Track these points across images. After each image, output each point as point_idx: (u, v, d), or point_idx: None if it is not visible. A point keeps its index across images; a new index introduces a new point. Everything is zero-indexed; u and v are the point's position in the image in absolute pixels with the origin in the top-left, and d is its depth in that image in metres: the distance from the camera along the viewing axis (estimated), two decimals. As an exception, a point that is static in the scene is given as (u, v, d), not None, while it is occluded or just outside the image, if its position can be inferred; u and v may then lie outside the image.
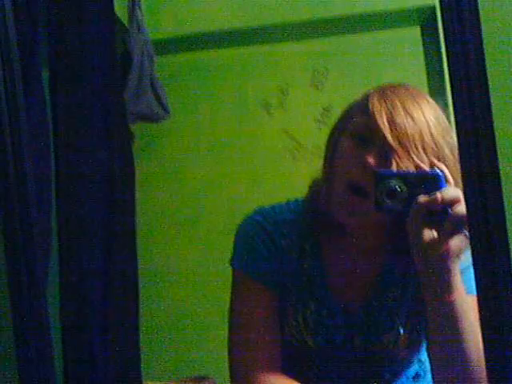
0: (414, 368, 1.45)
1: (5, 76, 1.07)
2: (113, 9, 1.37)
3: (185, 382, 2.51)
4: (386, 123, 1.26)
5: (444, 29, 0.87)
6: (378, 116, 1.27)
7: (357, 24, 2.88)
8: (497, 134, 0.84)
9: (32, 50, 1.27)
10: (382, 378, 1.43)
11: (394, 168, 1.25)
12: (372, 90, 1.36)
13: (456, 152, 1.29)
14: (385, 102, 1.29)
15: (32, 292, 1.18)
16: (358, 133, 1.32)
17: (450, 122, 1.33)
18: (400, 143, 1.25)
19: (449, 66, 0.86)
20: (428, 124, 1.28)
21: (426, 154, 1.26)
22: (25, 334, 1.16)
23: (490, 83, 0.85)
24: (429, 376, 1.40)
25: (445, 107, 1.34)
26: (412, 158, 1.25)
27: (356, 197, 1.29)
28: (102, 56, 1.32)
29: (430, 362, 1.33)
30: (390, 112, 1.27)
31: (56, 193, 1.36)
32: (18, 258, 1.14)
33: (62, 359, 1.30)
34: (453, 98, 0.86)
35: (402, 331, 1.39)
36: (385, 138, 1.25)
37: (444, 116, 1.33)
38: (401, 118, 1.26)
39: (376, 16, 2.81)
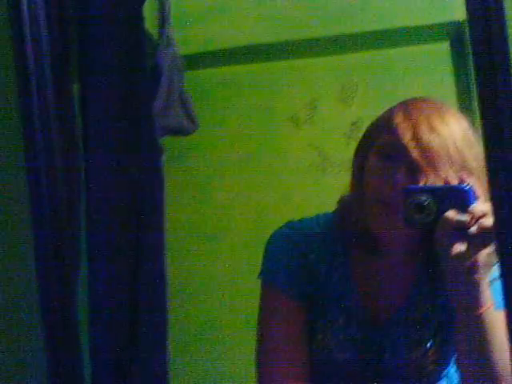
0: (443, 382, 1.44)
1: (38, 89, 1.09)
2: (143, 24, 1.38)
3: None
4: (411, 141, 1.26)
5: (472, 44, 0.87)
6: (402, 134, 1.27)
7: (386, 39, 2.87)
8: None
9: (62, 64, 1.29)
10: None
11: (422, 184, 1.26)
12: (396, 106, 1.35)
13: (483, 164, 1.30)
14: (409, 118, 1.29)
15: (63, 309, 1.19)
16: (384, 151, 1.32)
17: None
18: (426, 160, 1.25)
19: (476, 81, 0.86)
20: (454, 138, 1.27)
21: (453, 168, 1.26)
22: (55, 348, 1.18)
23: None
24: (457, 392, 1.39)
25: (474, 122, 1.34)
26: (439, 173, 1.25)
27: (388, 211, 1.29)
28: (131, 71, 1.33)
29: (459, 377, 1.33)
30: (415, 129, 1.27)
31: (86, 208, 1.38)
32: (49, 278, 1.16)
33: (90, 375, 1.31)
34: (480, 112, 0.86)
35: (430, 346, 1.39)
36: (410, 156, 1.26)
37: (471, 128, 1.32)
38: (425, 135, 1.26)
39: (405, 31, 2.81)
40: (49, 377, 1.18)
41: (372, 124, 1.41)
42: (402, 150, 1.27)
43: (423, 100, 1.36)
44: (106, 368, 1.30)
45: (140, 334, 1.32)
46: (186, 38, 2.80)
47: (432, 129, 1.27)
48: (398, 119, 1.30)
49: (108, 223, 1.37)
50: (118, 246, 1.37)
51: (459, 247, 1.20)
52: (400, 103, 1.36)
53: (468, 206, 1.21)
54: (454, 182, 1.25)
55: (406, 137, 1.26)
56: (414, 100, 1.36)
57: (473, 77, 2.65)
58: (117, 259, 1.37)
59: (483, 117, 0.85)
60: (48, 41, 1.15)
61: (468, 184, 1.23)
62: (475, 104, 2.62)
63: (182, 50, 2.70)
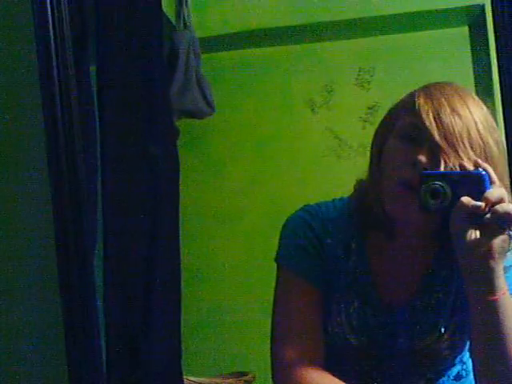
0: (456, 368, 1.45)
1: (59, 71, 1.10)
2: (161, 6, 1.38)
3: (225, 377, 2.53)
4: (433, 122, 1.27)
5: (494, 28, 0.86)
6: (424, 115, 1.28)
7: (404, 23, 2.86)
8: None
9: (80, 46, 1.29)
10: (424, 378, 1.43)
11: (443, 166, 1.26)
12: (418, 89, 1.36)
13: (503, 149, 1.30)
14: (431, 100, 1.30)
15: (81, 287, 1.20)
16: (406, 132, 1.32)
17: (496, 121, 1.33)
18: (447, 142, 1.26)
19: (499, 65, 0.86)
20: (475, 121, 1.28)
21: (473, 151, 1.26)
22: (74, 328, 1.19)
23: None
24: (471, 376, 1.39)
25: (492, 107, 1.34)
26: (460, 155, 1.25)
27: (407, 192, 1.29)
28: (148, 52, 1.33)
29: (473, 362, 1.33)
30: (437, 111, 1.28)
31: (102, 188, 1.38)
32: (69, 253, 1.17)
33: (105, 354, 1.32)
34: (502, 96, 0.86)
35: (444, 331, 1.39)
36: (432, 137, 1.26)
37: (490, 114, 1.32)
38: (447, 117, 1.27)
39: (423, 15, 2.79)
40: (68, 355, 1.19)
41: (393, 107, 1.42)
42: (424, 130, 1.27)
43: (445, 84, 1.36)
44: (119, 347, 1.32)
45: (153, 315, 1.33)
46: (203, 21, 2.79)
47: (454, 111, 1.28)
48: (421, 101, 1.31)
49: (123, 205, 1.37)
50: (134, 227, 1.38)
51: (474, 233, 1.20)
52: (422, 87, 1.37)
53: (483, 191, 1.20)
54: (471, 166, 1.25)
55: (429, 118, 1.27)
56: (436, 84, 1.37)
57: (492, 62, 2.63)
58: (132, 240, 1.38)
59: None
60: (68, 24, 1.15)
61: (484, 169, 1.23)
62: (493, 89, 2.61)
63: (198, 32, 2.70)
